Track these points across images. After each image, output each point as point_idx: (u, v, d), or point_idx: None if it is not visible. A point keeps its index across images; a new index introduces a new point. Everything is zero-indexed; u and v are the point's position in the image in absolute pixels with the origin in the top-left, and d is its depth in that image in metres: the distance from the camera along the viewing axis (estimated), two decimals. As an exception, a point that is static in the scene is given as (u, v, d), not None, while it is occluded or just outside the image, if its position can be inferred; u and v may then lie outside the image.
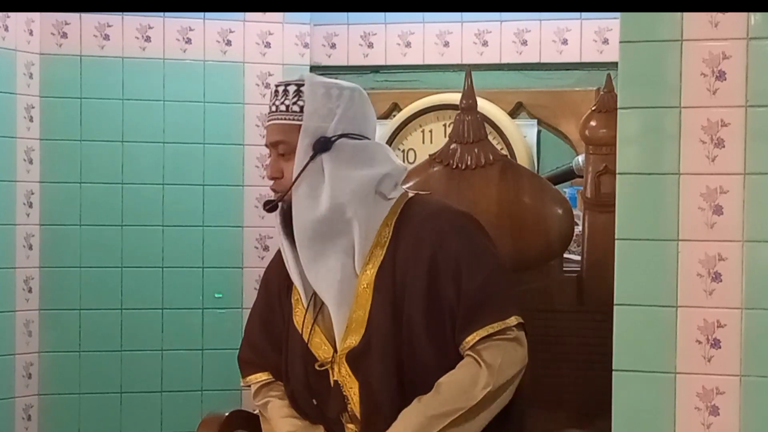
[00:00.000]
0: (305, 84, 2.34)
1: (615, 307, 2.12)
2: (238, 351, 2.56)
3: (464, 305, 2.26)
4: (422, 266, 2.29)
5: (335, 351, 2.34)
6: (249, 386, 2.52)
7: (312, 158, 2.30)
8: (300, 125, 2.31)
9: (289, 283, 2.43)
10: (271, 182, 2.39)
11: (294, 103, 2.33)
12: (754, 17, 2.04)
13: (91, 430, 3.68)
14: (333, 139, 2.31)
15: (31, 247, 3.61)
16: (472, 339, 2.25)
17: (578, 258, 2.81)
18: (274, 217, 2.39)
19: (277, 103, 2.35)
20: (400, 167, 2.42)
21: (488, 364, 2.22)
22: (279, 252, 2.52)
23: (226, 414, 2.47)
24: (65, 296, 3.65)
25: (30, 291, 3.62)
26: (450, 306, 2.27)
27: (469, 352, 2.25)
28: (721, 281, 2.06)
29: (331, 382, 2.34)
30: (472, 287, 2.27)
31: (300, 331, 2.38)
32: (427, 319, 2.28)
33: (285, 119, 2.33)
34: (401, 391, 2.28)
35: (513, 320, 2.26)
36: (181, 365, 3.71)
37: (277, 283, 2.49)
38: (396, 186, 2.40)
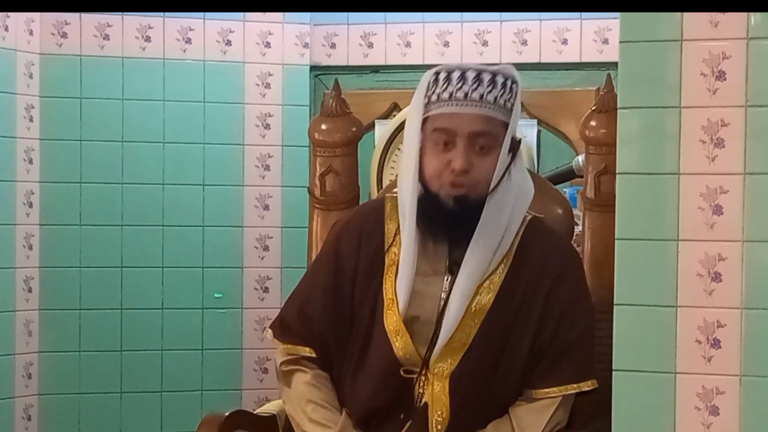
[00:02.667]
0: (516, 80, 2.23)
1: (615, 307, 2.11)
2: (279, 311, 2.41)
3: (553, 353, 2.25)
4: (539, 303, 2.25)
5: (427, 367, 2.24)
6: (277, 349, 2.39)
7: (511, 162, 2.21)
8: (505, 122, 2.21)
9: (378, 277, 2.30)
10: (451, 175, 2.20)
11: (501, 96, 2.19)
12: (754, 17, 2.04)
13: (91, 430, 3.68)
14: (519, 142, 2.25)
15: (31, 247, 3.61)
16: (543, 393, 2.24)
17: (578, 258, 2.81)
18: (409, 208, 2.22)
19: (482, 91, 2.18)
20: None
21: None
22: (357, 229, 2.36)
23: (226, 414, 2.46)
24: (65, 296, 3.65)
25: (30, 291, 3.62)
26: (541, 346, 2.25)
27: (515, 411, 2.25)
28: (721, 281, 2.06)
29: (417, 399, 2.24)
30: (567, 339, 2.25)
31: (388, 334, 2.26)
32: (529, 354, 2.25)
33: (494, 113, 2.19)
34: (484, 419, 2.26)
35: (587, 385, 2.25)
36: (181, 365, 3.71)
37: (353, 267, 2.32)
38: None
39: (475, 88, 2.19)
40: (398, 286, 2.25)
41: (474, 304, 2.24)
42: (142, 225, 3.68)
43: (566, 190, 3.41)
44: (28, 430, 3.63)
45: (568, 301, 2.27)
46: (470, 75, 2.20)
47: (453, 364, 2.24)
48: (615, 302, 2.11)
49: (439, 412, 2.24)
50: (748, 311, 2.05)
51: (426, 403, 2.24)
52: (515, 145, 2.25)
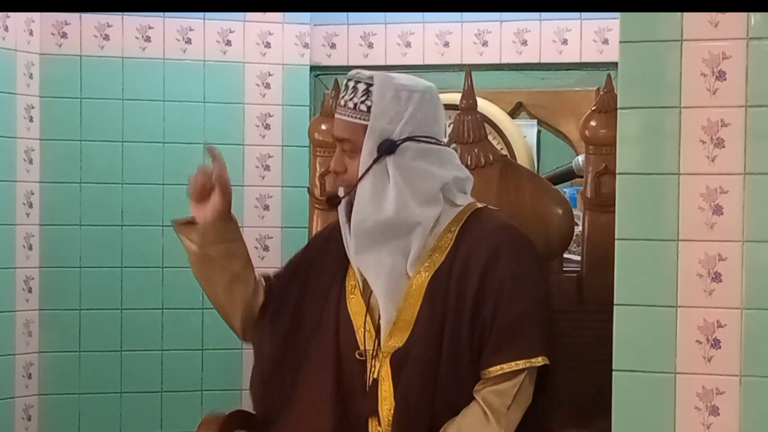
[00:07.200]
0: (374, 85, 2.31)
1: (615, 307, 2.12)
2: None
3: (497, 331, 2.26)
4: (474, 280, 2.29)
5: (379, 346, 2.32)
6: None
7: (376, 160, 2.30)
8: (366, 125, 2.30)
9: (345, 268, 2.42)
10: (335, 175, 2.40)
11: (362, 102, 2.31)
12: (754, 17, 2.05)
13: (91, 430, 3.68)
14: (398, 142, 2.30)
15: (31, 247, 3.61)
16: (495, 371, 2.25)
17: (578, 258, 2.82)
18: (340, 208, 2.39)
19: (346, 98, 2.33)
20: (466, 173, 2.42)
21: (497, 413, 2.24)
22: (324, 231, 2.54)
23: (226, 414, 2.47)
24: (65, 296, 3.65)
25: (30, 291, 3.62)
26: (482, 326, 2.27)
27: (480, 395, 2.26)
28: (721, 281, 2.06)
29: (368, 380, 2.32)
30: (509, 315, 2.26)
31: (351, 318, 2.37)
32: (471, 333, 2.28)
33: (352, 117, 2.32)
34: (435, 399, 2.28)
35: (539, 360, 2.25)
36: (181, 365, 3.71)
37: (319, 255, 2.49)
38: (464, 193, 2.40)
39: (343, 96, 2.35)
40: (354, 270, 2.38)
41: (414, 283, 2.32)
42: (142, 225, 3.68)
43: (566, 190, 3.41)
44: (28, 430, 3.63)
45: (504, 281, 2.28)
46: (350, 84, 2.35)
47: (400, 343, 2.31)
48: (615, 302, 2.12)
49: (386, 390, 2.31)
50: (748, 311, 2.05)
51: (375, 381, 2.32)
52: (387, 147, 2.30)
